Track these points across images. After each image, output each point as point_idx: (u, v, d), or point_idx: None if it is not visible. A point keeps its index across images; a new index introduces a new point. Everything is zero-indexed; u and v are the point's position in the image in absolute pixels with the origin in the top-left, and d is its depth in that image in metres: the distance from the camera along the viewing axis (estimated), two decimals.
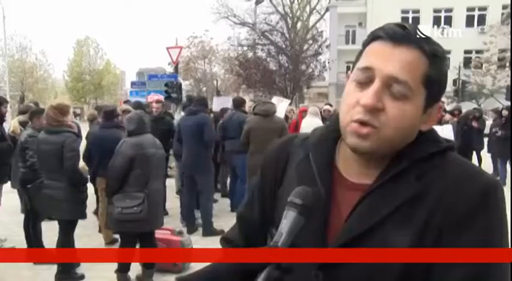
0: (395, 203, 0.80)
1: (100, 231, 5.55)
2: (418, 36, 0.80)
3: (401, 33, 0.80)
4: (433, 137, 0.87)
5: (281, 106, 6.84)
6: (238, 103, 7.05)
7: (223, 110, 7.55)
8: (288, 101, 8.96)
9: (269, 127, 5.61)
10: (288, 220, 0.74)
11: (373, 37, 0.83)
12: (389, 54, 0.80)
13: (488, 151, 9.79)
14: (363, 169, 0.87)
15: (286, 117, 8.17)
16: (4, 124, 5.30)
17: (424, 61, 0.80)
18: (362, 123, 0.80)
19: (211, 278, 0.71)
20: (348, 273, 0.81)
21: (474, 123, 9.44)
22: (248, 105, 7.40)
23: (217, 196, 7.21)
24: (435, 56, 0.81)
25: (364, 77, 0.81)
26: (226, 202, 7.10)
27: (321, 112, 9.50)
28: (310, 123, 7.15)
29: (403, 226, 0.79)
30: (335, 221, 0.86)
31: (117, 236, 5.15)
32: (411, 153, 0.83)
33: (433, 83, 0.81)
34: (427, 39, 0.81)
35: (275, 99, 8.80)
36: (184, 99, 10.75)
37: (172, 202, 6.89)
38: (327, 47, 22.80)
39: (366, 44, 0.85)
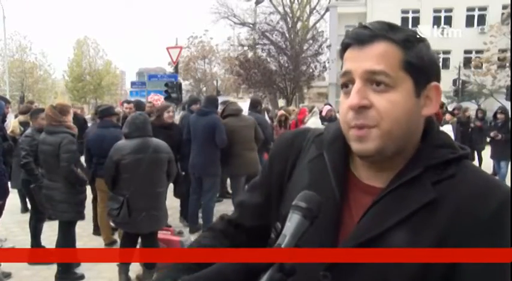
0: (409, 209, 0.79)
1: (94, 233, 5.53)
2: (382, 30, 0.81)
3: (365, 33, 0.82)
4: (448, 142, 0.86)
5: (244, 106, 6.98)
6: (255, 104, 7.14)
7: None
8: (248, 101, 9.01)
9: (243, 125, 5.75)
10: (292, 222, 0.74)
11: (344, 47, 0.85)
12: (360, 54, 0.81)
13: (491, 156, 9.32)
14: (375, 171, 0.87)
15: (286, 117, 8.17)
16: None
17: (396, 49, 0.80)
18: (358, 127, 0.81)
19: (215, 278, 0.71)
20: (357, 274, 0.80)
21: (478, 122, 9.45)
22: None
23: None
24: (407, 41, 0.81)
25: (346, 83, 0.83)
26: (226, 202, 7.10)
27: (320, 112, 9.54)
28: (316, 124, 7.28)
29: (416, 233, 0.78)
30: (347, 222, 0.85)
31: (115, 237, 5.17)
32: (426, 158, 0.83)
33: (414, 66, 0.81)
34: (394, 29, 0.82)
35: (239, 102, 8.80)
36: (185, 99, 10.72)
37: (172, 202, 6.89)
38: (327, 47, 22.78)
39: (341, 56, 0.87)
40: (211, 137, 5.46)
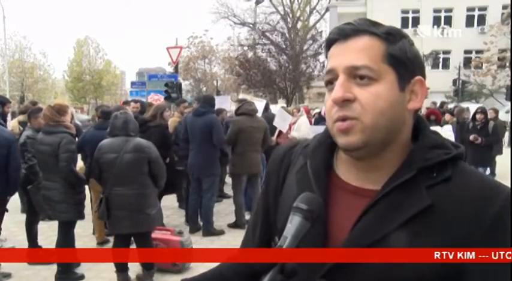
0: (408, 214, 0.77)
1: (94, 233, 5.50)
2: (365, 25, 0.82)
3: (348, 28, 0.83)
4: (440, 143, 0.85)
5: (259, 106, 6.97)
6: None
7: (219, 111, 7.16)
8: (264, 101, 9.00)
9: (255, 126, 5.74)
10: (293, 224, 0.73)
11: (328, 44, 0.86)
12: (342, 50, 0.82)
13: (470, 163, 8.22)
14: (364, 171, 0.85)
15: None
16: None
17: (378, 43, 0.81)
18: (342, 120, 0.80)
19: (217, 278, 0.71)
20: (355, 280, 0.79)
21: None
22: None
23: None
24: (389, 34, 0.82)
25: (331, 80, 0.83)
26: (226, 202, 7.10)
27: (320, 112, 9.59)
28: (306, 123, 7.50)
29: (416, 238, 0.76)
30: (335, 225, 0.84)
31: (108, 237, 5.17)
32: (419, 159, 0.81)
33: (397, 59, 0.81)
34: (377, 25, 0.83)
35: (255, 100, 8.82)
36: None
37: (173, 202, 6.90)
38: None
39: (326, 54, 0.87)
40: (208, 137, 5.46)
